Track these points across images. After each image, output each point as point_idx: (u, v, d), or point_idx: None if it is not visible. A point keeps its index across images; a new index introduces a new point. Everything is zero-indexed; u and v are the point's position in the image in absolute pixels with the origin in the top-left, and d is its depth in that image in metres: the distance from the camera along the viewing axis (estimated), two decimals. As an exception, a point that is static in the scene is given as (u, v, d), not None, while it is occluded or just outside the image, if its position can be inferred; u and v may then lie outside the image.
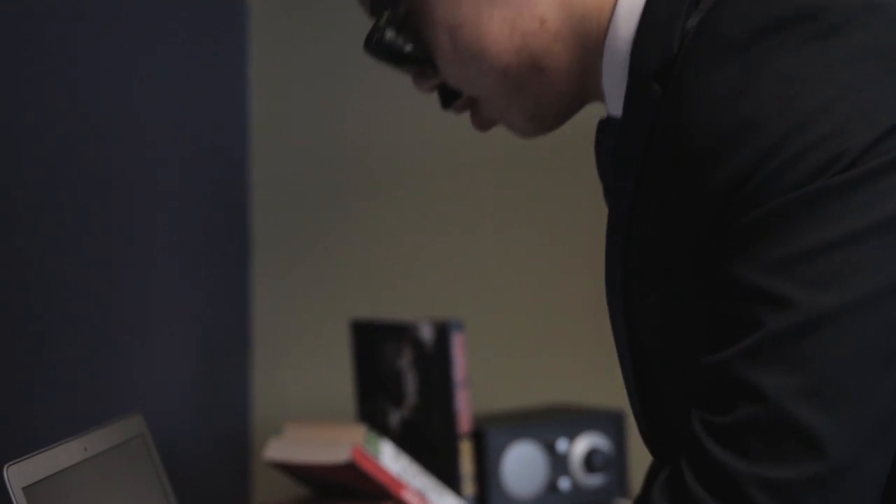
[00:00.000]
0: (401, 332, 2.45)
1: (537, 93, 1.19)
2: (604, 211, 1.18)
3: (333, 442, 2.25)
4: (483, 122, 1.26)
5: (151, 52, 2.68)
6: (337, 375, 2.76)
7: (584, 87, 1.20)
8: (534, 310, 2.71)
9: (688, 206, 1.03)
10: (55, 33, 2.47)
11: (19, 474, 1.07)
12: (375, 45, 1.21)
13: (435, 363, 2.38)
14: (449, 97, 1.25)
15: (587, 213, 2.47)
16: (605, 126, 1.20)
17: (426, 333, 2.40)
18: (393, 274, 2.83)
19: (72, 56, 2.51)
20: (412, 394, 2.44)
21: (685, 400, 1.05)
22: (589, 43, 1.16)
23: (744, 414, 0.97)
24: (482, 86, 1.19)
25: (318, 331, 2.86)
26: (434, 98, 1.28)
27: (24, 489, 1.06)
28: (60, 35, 2.48)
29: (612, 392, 1.95)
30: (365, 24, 1.24)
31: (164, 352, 2.68)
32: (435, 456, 2.37)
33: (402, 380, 2.46)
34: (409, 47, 1.21)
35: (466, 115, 1.29)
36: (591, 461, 2.38)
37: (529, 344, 2.71)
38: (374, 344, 2.53)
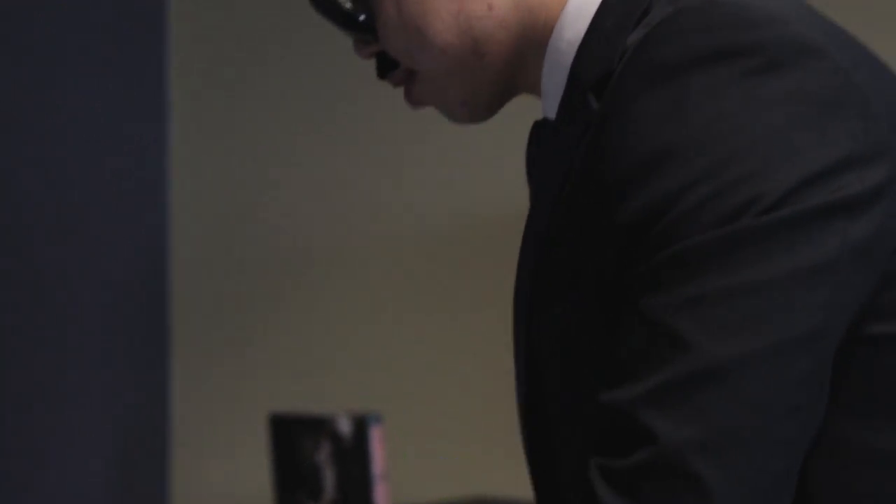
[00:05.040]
0: (319, 426, 2.44)
1: (473, 77, 1.17)
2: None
3: (251, 538, 2.22)
4: (416, 99, 1.22)
5: (71, 141, 2.68)
6: (256, 470, 2.74)
7: (521, 79, 1.18)
8: (453, 400, 2.71)
9: (601, 225, 1.01)
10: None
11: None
12: (321, 0, 1.18)
13: (353, 457, 2.37)
14: (386, 67, 1.21)
15: (503, 304, 2.48)
16: (540, 128, 1.17)
17: (344, 427, 2.39)
18: (311, 368, 2.82)
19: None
20: (330, 489, 2.43)
21: (576, 446, 1.04)
22: (533, 36, 1.14)
23: (639, 459, 0.95)
24: (420, 60, 1.17)
25: (237, 425, 2.84)
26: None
27: None
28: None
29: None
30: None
31: (81, 447, 2.65)
32: (354, 551, 2.35)
33: (320, 474, 2.45)
34: (353, 7, 1.19)
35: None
36: (511, 553, 2.37)
37: (449, 435, 2.70)
38: (292, 438, 2.51)
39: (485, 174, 2.65)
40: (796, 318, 0.95)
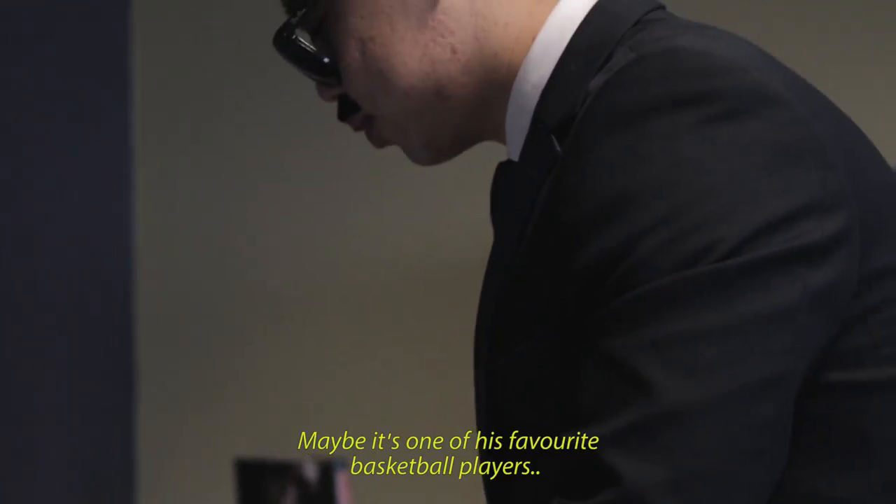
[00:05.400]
0: (285, 471, 2.43)
1: (436, 120, 1.17)
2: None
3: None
4: (379, 140, 1.22)
5: (31, 186, 2.67)
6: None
7: (484, 123, 1.18)
8: (420, 444, 2.70)
9: (561, 266, 1.02)
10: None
11: None
12: (284, 42, 1.18)
13: (319, 503, 2.36)
14: (347, 110, 1.22)
15: (471, 346, 2.48)
16: (504, 169, 1.17)
17: (310, 472, 2.38)
18: (278, 412, 2.81)
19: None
20: (296, 534, 2.42)
21: (538, 483, 1.03)
22: (497, 80, 1.15)
23: (603, 500, 0.95)
24: (383, 103, 1.17)
25: (203, 470, 2.83)
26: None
27: None
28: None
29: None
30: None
31: (45, 497, 2.63)
32: None
33: (286, 520, 2.43)
34: (316, 51, 1.18)
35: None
36: None
37: (416, 479, 2.70)
38: (258, 483, 2.50)
39: (450, 217, 2.66)
40: (757, 364, 0.96)
